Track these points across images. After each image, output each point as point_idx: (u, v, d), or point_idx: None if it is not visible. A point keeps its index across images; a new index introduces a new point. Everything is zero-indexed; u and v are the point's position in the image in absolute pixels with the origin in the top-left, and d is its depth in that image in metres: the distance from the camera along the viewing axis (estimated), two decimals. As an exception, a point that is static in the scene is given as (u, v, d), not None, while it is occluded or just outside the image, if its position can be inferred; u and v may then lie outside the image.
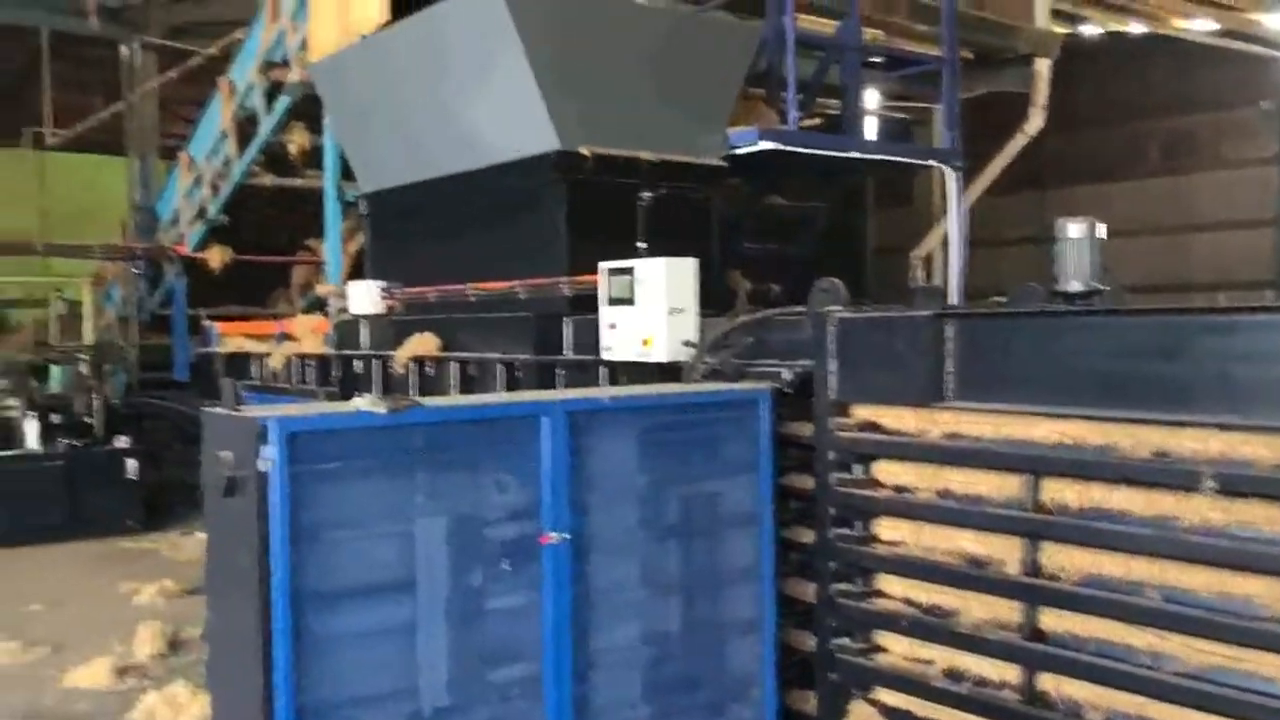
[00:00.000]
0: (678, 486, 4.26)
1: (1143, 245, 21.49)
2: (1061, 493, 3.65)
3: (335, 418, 3.49)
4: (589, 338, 5.70)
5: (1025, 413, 3.73)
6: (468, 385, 6.52)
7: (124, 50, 11.63)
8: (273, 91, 9.18)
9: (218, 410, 3.56)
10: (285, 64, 8.87)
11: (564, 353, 5.94)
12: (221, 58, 11.19)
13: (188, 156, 10.58)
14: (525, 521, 3.82)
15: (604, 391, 4.35)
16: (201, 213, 10.46)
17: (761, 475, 4.40)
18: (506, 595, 3.81)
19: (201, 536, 9.14)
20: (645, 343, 5.12)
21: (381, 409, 3.46)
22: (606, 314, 5.35)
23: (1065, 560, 3.66)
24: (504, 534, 3.79)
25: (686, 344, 5.09)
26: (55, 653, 6.24)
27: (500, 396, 5.32)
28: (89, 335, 12.37)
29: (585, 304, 5.89)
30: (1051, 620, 3.72)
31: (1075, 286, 4.51)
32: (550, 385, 5.82)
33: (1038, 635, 3.74)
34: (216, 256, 10.71)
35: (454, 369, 6.64)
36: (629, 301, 5.20)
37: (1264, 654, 3.20)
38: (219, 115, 9.83)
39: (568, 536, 3.85)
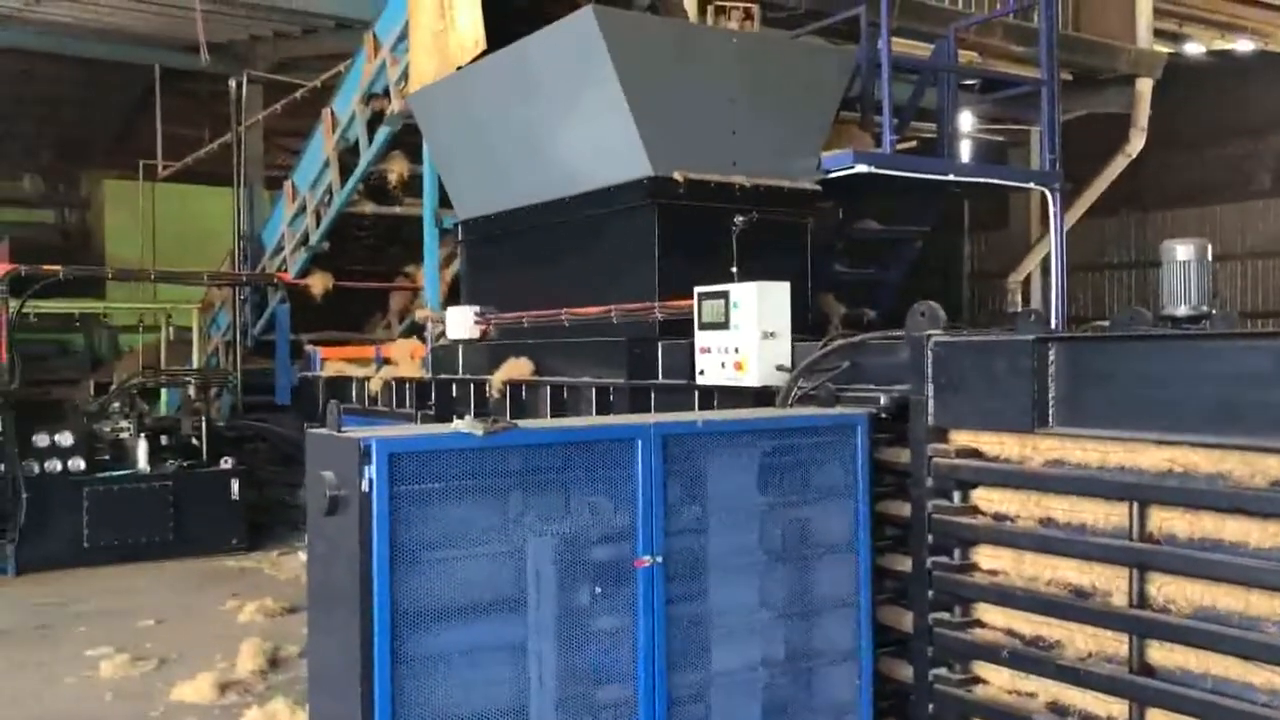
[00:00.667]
0: (773, 511, 4.23)
1: (1249, 269, 20.80)
2: (1171, 522, 3.54)
3: (434, 439, 3.55)
4: (681, 362, 5.71)
5: (1131, 439, 3.63)
6: (560, 409, 6.57)
7: (232, 84, 12.01)
8: (374, 122, 9.42)
9: (321, 431, 3.65)
10: (386, 95, 9.11)
11: (657, 377, 5.95)
12: (324, 90, 11.56)
13: (292, 186, 10.91)
14: (620, 544, 3.83)
15: (697, 415, 4.34)
16: (304, 240, 10.77)
17: (858, 501, 4.34)
18: (602, 618, 3.81)
19: (301, 556, 9.36)
20: (738, 367, 5.12)
21: (479, 430, 3.51)
22: (700, 338, 5.35)
23: (1175, 592, 3.54)
24: (599, 556, 3.79)
25: (780, 368, 5.07)
26: (162, 667, 6.43)
27: (595, 419, 5.35)
28: (196, 359, 12.83)
29: (678, 328, 5.91)
30: (1160, 655, 3.59)
31: (1183, 310, 4.39)
32: (643, 410, 5.84)
33: (1146, 670, 3.61)
34: (318, 283, 11.00)
35: (547, 393, 6.70)
36: (723, 326, 5.20)
37: (1392, 694, 3.05)
38: (322, 145, 10.13)
39: (660, 560, 3.84)
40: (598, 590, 3.81)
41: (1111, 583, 3.70)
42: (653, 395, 5.92)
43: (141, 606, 7.92)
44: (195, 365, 12.54)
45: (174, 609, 7.92)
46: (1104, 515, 3.72)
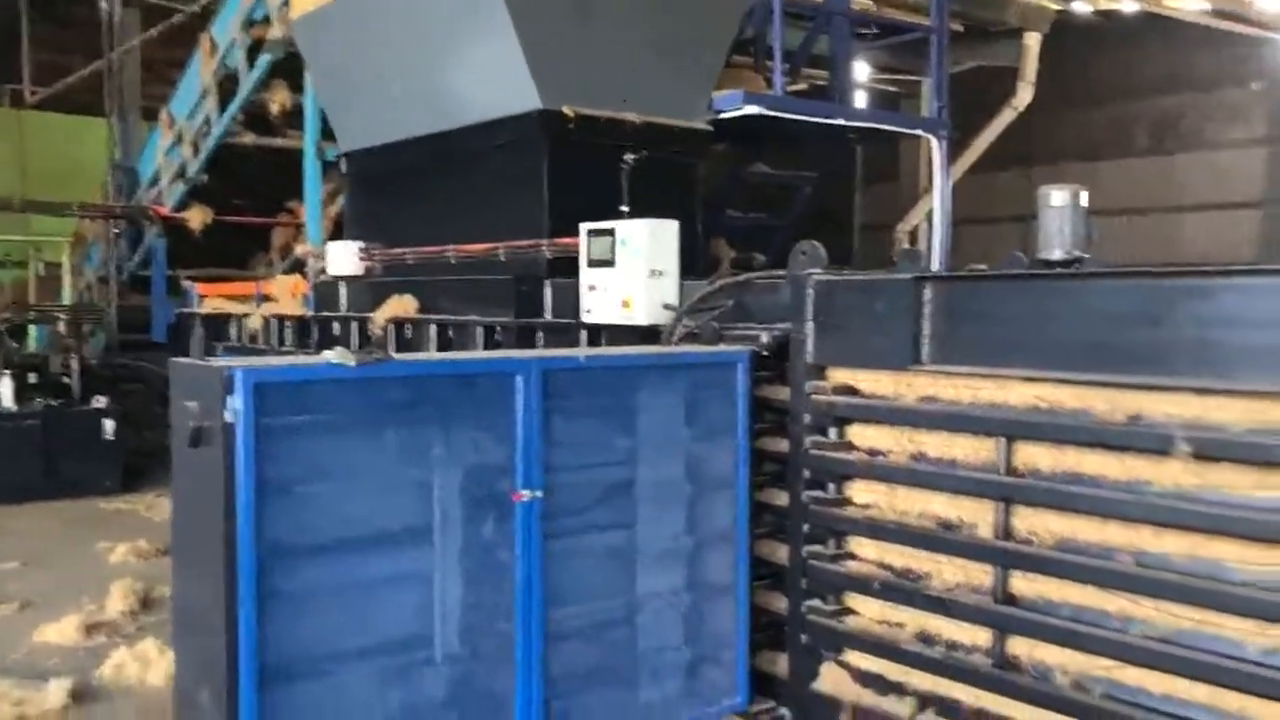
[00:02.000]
0: (652, 448, 4.23)
1: (1130, 225, 21.54)
2: (1035, 457, 3.64)
3: (303, 370, 3.44)
4: (570, 301, 5.66)
5: (1001, 376, 3.72)
6: (446, 348, 6.46)
7: (104, 7, 11.39)
8: (254, 49, 9.06)
9: (186, 360, 3.51)
10: (267, 21, 8.75)
11: (544, 316, 5.89)
12: (204, 16, 11.07)
13: (168, 115, 10.45)
14: (499, 479, 3.79)
15: (579, 351, 4.30)
16: (182, 172, 10.34)
17: (737, 438, 4.38)
18: (481, 552, 3.77)
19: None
20: (625, 305, 5.09)
21: (350, 361, 3.41)
22: (587, 275, 5.31)
23: (1038, 524, 3.65)
24: (478, 491, 3.75)
25: (666, 307, 5.05)
26: (25, 609, 6.20)
27: (475, 354, 5.28)
28: (68, 296, 12.28)
29: (566, 267, 5.84)
30: (1024, 585, 3.71)
31: (1057, 254, 4.48)
32: (530, 348, 5.78)
33: (1010, 599, 3.73)
34: (197, 217, 10.60)
35: (433, 331, 6.58)
36: (609, 263, 5.16)
37: (1233, 617, 3.20)
38: (199, 73, 9.71)
39: (540, 495, 3.82)
40: (482, 524, 3.78)
41: (979, 516, 3.80)
42: (540, 334, 5.86)
43: (7, 549, 7.61)
44: (66, 302, 12.01)
45: (41, 552, 7.63)
46: (973, 450, 3.81)
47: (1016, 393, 3.68)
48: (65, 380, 10.32)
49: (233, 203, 11.25)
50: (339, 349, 3.46)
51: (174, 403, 3.53)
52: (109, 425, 9.99)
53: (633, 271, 5.06)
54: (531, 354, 4.03)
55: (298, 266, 9.85)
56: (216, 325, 9.41)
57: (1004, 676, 3.73)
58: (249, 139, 9.87)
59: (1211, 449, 3.19)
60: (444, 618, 3.75)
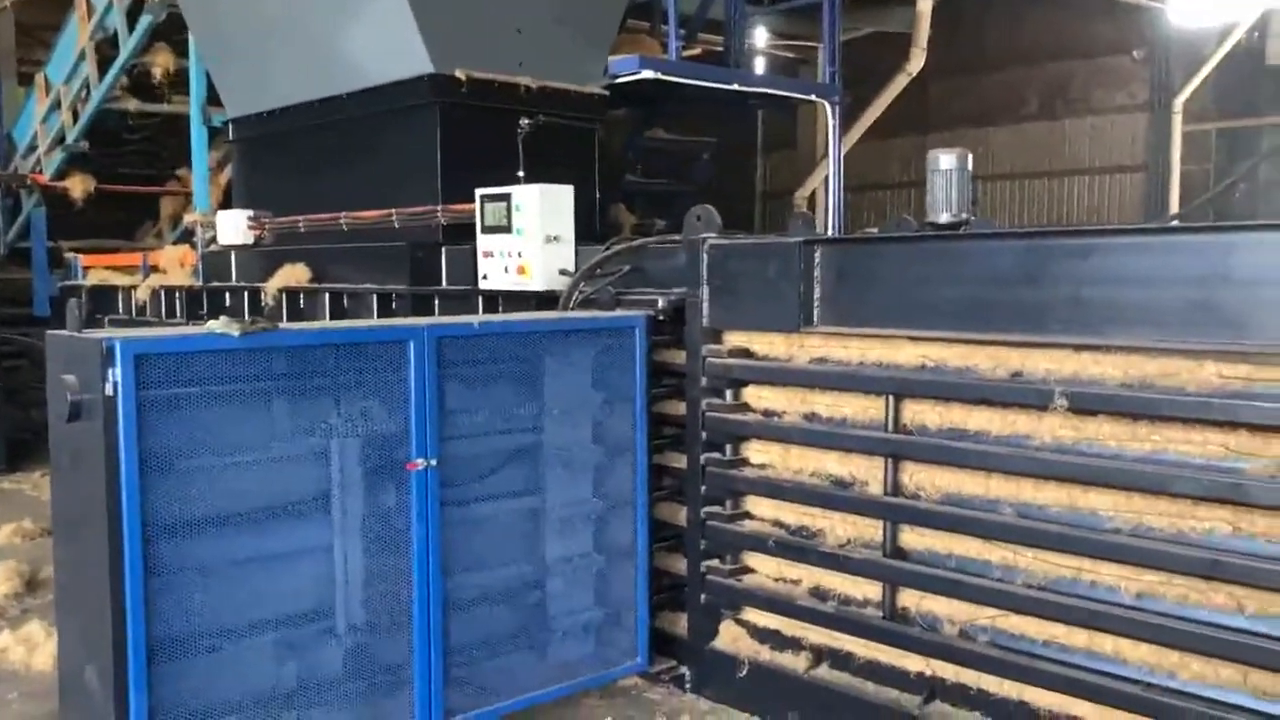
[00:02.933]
0: (551, 414, 4.23)
1: (1023, 189, 22.12)
2: (923, 414, 3.74)
3: (186, 340, 3.35)
4: (465, 268, 5.60)
5: (889, 337, 3.80)
6: (341, 316, 6.34)
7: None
8: (134, 10, 8.70)
9: (62, 333, 3.39)
10: (148, -20, 8.42)
11: (440, 283, 5.83)
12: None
13: (45, 79, 9.99)
14: (393, 448, 3.75)
15: (473, 318, 4.26)
16: (61, 139, 9.91)
17: (635, 402, 4.39)
18: (378, 521, 3.74)
19: (66, 477, 8.70)
20: (521, 271, 5.06)
21: (234, 331, 3.34)
22: (482, 242, 5.26)
23: (925, 480, 3.76)
24: (373, 461, 3.71)
25: (563, 273, 5.04)
26: (-97, 594, 5.95)
27: (366, 322, 5.21)
28: (-61, 269, 11.72)
29: (462, 233, 5.78)
30: (912, 538, 3.82)
31: (944, 217, 4.60)
32: (427, 315, 5.71)
33: (899, 553, 3.84)
34: (78, 185, 10.16)
35: (326, 300, 6.46)
36: (505, 229, 5.11)
37: (1108, 564, 3.34)
38: (76, 35, 9.30)
39: (434, 463, 3.79)
40: (380, 494, 3.75)
41: (869, 473, 3.89)
42: (436, 301, 5.79)
43: (-120, 533, 7.28)
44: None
45: (-82, 534, 7.32)
46: (863, 409, 3.90)
47: (904, 352, 3.77)
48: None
49: (117, 171, 10.83)
50: (223, 318, 3.38)
51: (50, 377, 3.41)
52: (-12, 403, 9.60)
53: (528, 237, 5.03)
54: (423, 321, 3.98)
55: (187, 236, 9.55)
56: (102, 298, 9.09)
57: (894, 628, 3.84)
58: (132, 105, 9.51)
59: (1087, 403, 3.32)
60: (344, 588, 3.72)
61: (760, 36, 13.93)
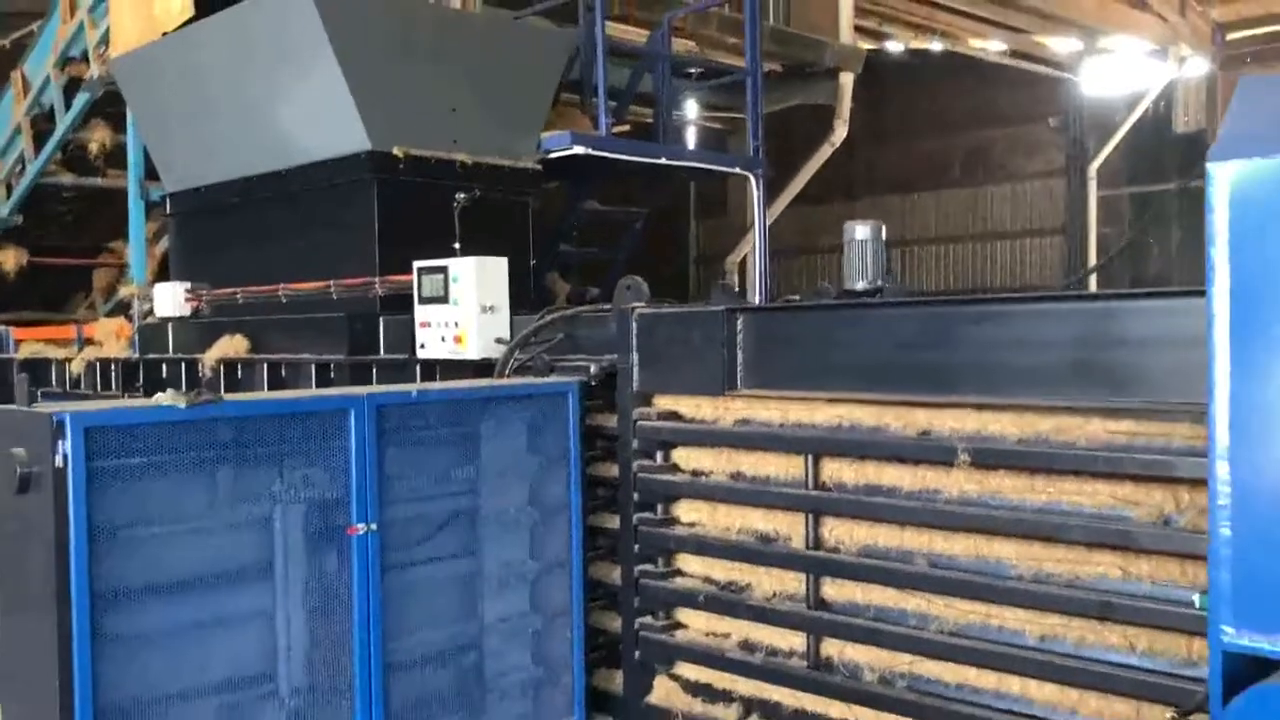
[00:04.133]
0: (488, 478, 4.39)
1: (946, 252, 22.82)
2: (840, 471, 3.97)
3: (134, 413, 3.47)
4: (403, 337, 5.76)
5: (807, 398, 4.04)
6: (279, 386, 6.45)
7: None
8: (71, 87, 8.83)
9: (10, 407, 3.50)
10: (85, 60, 8.55)
11: (379, 353, 5.98)
12: (15, 49, 10.69)
13: (-24, 154, 10.05)
14: (335, 513, 3.88)
15: (411, 386, 4.43)
16: (-6, 212, 9.96)
17: (570, 465, 4.56)
18: (321, 586, 3.85)
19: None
20: (458, 340, 5.24)
21: (181, 403, 3.47)
22: (420, 312, 5.43)
23: (844, 533, 3.97)
24: (314, 526, 3.83)
25: (499, 341, 5.23)
26: None
27: (308, 392, 5.34)
28: None
29: (399, 304, 5.95)
30: (833, 590, 4.03)
31: (860, 284, 4.88)
32: (365, 384, 5.84)
33: (821, 604, 4.04)
34: (10, 258, 10.19)
35: (264, 371, 6.56)
36: (443, 300, 5.30)
37: (1013, 609, 3.57)
38: (11, 111, 9.39)
39: (374, 528, 3.92)
40: (322, 559, 3.86)
41: (792, 528, 4.10)
42: (374, 370, 5.93)
43: None
44: None
45: None
46: (785, 467, 4.12)
47: (821, 413, 4.00)
48: None
49: (48, 244, 10.85)
50: (170, 391, 3.51)
51: (-3, 451, 3.51)
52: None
53: (465, 308, 5.22)
54: (363, 390, 4.13)
55: (122, 309, 9.59)
56: (35, 370, 9.07)
57: (818, 677, 4.03)
58: (67, 178, 9.57)
59: (988, 459, 3.57)
60: (286, 653, 3.82)
61: (690, 108, 14.40)
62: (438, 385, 4.77)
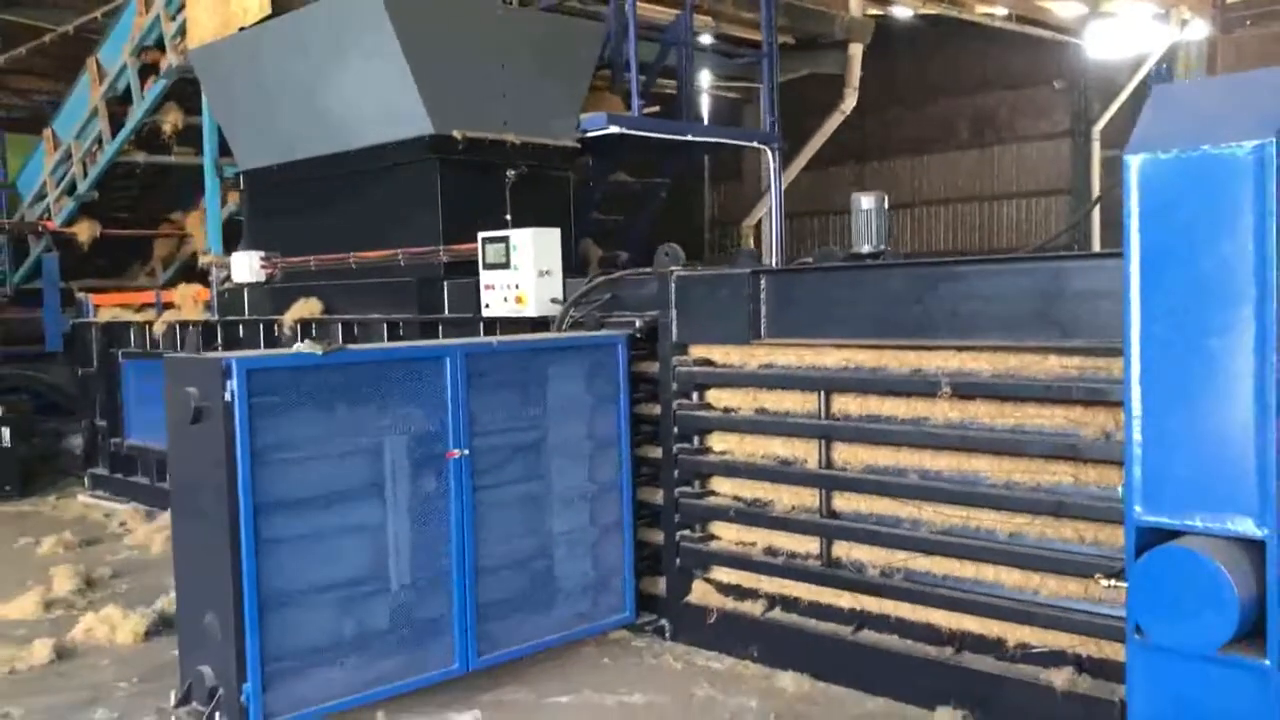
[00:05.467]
0: (554, 415, 5.24)
1: (955, 213, 23.46)
2: (846, 404, 4.81)
3: (281, 358, 4.34)
4: (464, 298, 6.60)
5: (819, 345, 4.87)
6: (353, 343, 7.29)
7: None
8: (144, 72, 9.63)
9: (181, 355, 4.36)
10: (158, 48, 9.35)
11: (444, 312, 6.82)
12: (76, 37, 11.50)
13: (52, 134, 10.86)
14: (434, 442, 4.74)
15: (491, 339, 5.27)
16: (71, 189, 10.78)
17: (620, 404, 5.43)
18: (426, 501, 4.72)
19: (81, 498, 9.58)
20: (519, 300, 6.07)
21: (318, 350, 4.32)
22: (485, 276, 6.26)
23: (850, 455, 4.82)
24: (420, 451, 4.69)
25: (554, 300, 6.06)
26: (-26, 595, 6.79)
27: (412, 343, 6.19)
28: (-61, 311, 12.43)
29: (459, 269, 6.79)
30: (842, 502, 4.88)
31: (865, 248, 5.71)
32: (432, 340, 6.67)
33: (832, 514, 4.90)
34: (85, 230, 11.04)
35: (339, 329, 7.41)
36: (504, 266, 6.13)
37: (988, 512, 4.41)
38: (88, 96, 10.19)
39: (467, 452, 4.79)
40: (423, 480, 4.72)
41: (807, 453, 4.95)
42: (440, 328, 6.77)
43: (-70, 548, 8.07)
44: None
45: (-35, 549, 8.12)
46: (801, 403, 4.97)
47: (831, 357, 4.84)
48: (-50, 392, 10.61)
49: (114, 216, 11.68)
50: (308, 341, 4.37)
51: (170, 389, 4.38)
52: (6, 433, 10.38)
53: (524, 272, 6.05)
54: (455, 341, 4.98)
55: (192, 275, 10.44)
56: (113, 332, 9.94)
57: (830, 573, 4.89)
58: (140, 157, 10.39)
59: (967, 390, 4.40)
60: (395, 556, 4.69)
61: (705, 78, 15.13)
62: (510, 337, 5.61)
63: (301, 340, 4.73)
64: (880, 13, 17.58)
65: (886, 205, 5.93)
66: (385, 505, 4.66)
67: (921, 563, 4.64)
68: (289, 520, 4.35)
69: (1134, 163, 3.22)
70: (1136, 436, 3.26)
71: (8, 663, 5.35)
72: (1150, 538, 3.24)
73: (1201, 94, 3.42)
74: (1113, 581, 3.48)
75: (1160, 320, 3.19)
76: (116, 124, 10.00)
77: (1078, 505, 4.15)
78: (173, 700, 4.47)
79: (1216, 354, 3.07)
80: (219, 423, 4.14)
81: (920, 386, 4.53)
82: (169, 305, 9.35)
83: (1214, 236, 3.05)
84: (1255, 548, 3.04)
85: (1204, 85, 3.62)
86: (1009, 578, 4.40)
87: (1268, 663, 3.05)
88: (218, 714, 4.23)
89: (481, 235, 6.31)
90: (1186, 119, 3.24)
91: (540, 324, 6.07)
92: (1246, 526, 3.04)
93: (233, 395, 4.12)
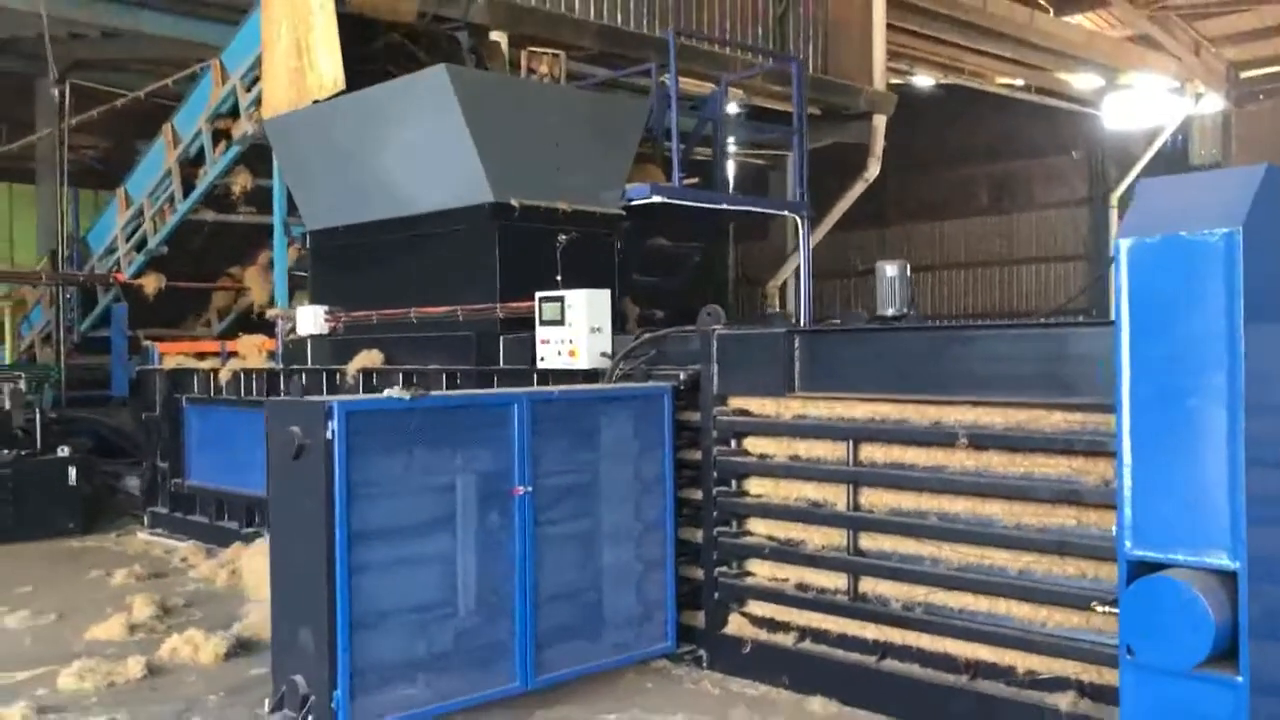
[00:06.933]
0: (606, 458, 5.79)
1: (975, 277, 23.99)
2: (873, 453, 5.34)
3: (375, 402, 4.92)
4: (519, 352, 7.19)
5: (848, 399, 5.42)
6: (413, 392, 7.87)
7: (56, 91, 12.35)
8: (215, 137, 10.37)
9: (284, 398, 4.94)
10: (231, 116, 10.09)
11: (499, 364, 7.40)
12: (145, 103, 12.28)
13: (124, 193, 11.61)
14: (500, 480, 5.29)
15: (552, 388, 5.84)
16: (141, 244, 11.50)
17: (664, 449, 5.97)
18: (493, 533, 5.26)
19: (140, 535, 10.13)
20: (572, 354, 6.65)
21: (406, 395, 4.90)
22: (540, 332, 6.85)
23: (876, 499, 5.34)
24: (489, 488, 5.24)
25: (603, 354, 6.63)
26: (62, 619, 7.32)
27: (483, 391, 6.75)
28: (8, 356, 13.16)
29: (514, 325, 7.39)
30: (868, 541, 5.39)
31: (890, 311, 6.28)
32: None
33: (859, 552, 5.41)
34: (151, 283, 11.75)
35: (399, 379, 7.95)
36: (559, 322, 6.71)
37: (1000, 550, 4.91)
38: (163, 159, 10.95)
39: (531, 489, 5.33)
40: (489, 515, 5.26)
41: (836, 496, 5.48)
42: (495, 379, 7.34)
43: (9, 576, 8.62)
44: (6, 361, 12.91)
45: (43, 579, 8.66)
46: (831, 451, 5.50)
47: (859, 409, 5.38)
48: (20, 434, 11.24)
49: (176, 269, 12.40)
50: (396, 388, 4.94)
51: (273, 428, 4.95)
52: (73, 472, 10.98)
53: (577, 328, 6.63)
54: (521, 390, 5.56)
55: (248, 326, 11.09)
56: (178, 380, 10.56)
57: (856, 606, 5.39)
58: (209, 215, 11.12)
59: (982, 441, 4.92)
60: (464, 583, 5.22)
61: (731, 145, 15.86)
62: (566, 387, 6.17)
63: (383, 389, 5.27)
64: (902, 82, 18.35)
65: (909, 272, 6.50)
66: (456, 537, 5.19)
67: (940, 597, 5.13)
68: (375, 549, 4.89)
69: (1124, 245, 3.78)
70: (1127, 482, 3.77)
71: (107, 676, 5.87)
72: (1139, 569, 3.74)
73: (1181, 188, 3.97)
74: (1107, 608, 3.98)
75: (1146, 382, 3.73)
76: (188, 185, 10.73)
77: (1080, 545, 4.64)
78: (267, 707, 5.00)
79: (1194, 413, 3.59)
80: (319, 459, 4.70)
81: (940, 437, 5.05)
82: (233, 354, 9.97)
83: (1190, 310, 3.59)
84: (1229, 578, 3.54)
85: (1184, 180, 4.18)
86: (1019, 610, 4.88)
87: (1240, 679, 3.54)
88: (310, 718, 4.75)
89: (539, 295, 6.91)
90: (1168, 209, 3.79)
91: (590, 376, 6.63)
92: (1221, 560, 3.54)
93: (334, 434, 4.69)
